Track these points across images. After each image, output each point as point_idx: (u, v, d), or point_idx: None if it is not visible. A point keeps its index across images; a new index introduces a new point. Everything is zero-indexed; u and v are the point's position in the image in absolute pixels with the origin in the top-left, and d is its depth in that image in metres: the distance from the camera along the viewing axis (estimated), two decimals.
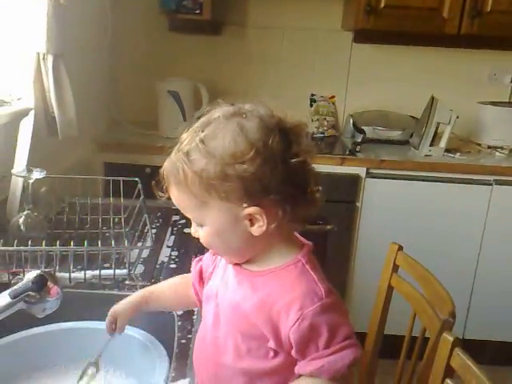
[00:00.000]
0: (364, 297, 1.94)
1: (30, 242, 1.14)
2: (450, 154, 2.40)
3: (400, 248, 1.43)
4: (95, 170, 2.23)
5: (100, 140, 2.33)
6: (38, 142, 1.49)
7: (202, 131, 0.73)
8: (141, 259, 1.30)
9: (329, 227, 2.29)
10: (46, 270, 1.14)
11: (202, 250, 0.88)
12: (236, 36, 2.71)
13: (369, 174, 2.31)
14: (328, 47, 2.72)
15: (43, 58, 1.56)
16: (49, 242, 1.19)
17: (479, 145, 2.60)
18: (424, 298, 1.30)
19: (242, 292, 0.79)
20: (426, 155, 2.38)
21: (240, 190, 0.71)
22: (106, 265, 1.23)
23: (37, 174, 1.25)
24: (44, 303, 0.82)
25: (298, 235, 0.83)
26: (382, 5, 2.35)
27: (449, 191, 2.32)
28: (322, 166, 2.24)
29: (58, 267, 1.15)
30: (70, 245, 1.17)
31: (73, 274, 1.15)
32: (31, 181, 1.25)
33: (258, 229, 0.74)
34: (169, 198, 0.78)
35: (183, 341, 0.97)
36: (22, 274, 1.14)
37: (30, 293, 0.81)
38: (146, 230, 1.40)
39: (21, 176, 1.28)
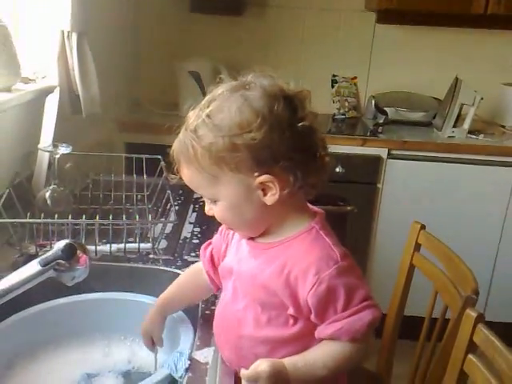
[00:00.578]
0: (384, 278, 1.94)
1: (56, 216, 1.16)
2: (473, 136, 2.37)
3: (422, 227, 1.43)
4: (117, 151, 2.24)
5: (121, 120, 2.35)
6: (62, 120, 1.50)
7: (208, 107, 0.74)
8: (164, 234, 1.31)
9: (349, 208, 2.28)
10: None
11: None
12: (257, 16, 2.69)
13: (390, 155, 2.29)
14: (350, 28, 2.68)
15: (67, 36, 1.58)
16: (74, 217, 1.21)
17: (503, 127, 2.56)
18: (446, 276, 1.29)
19: (259, 264, 0.80)
20: (448, 136, 2.35)
21: (250, 160, 0.72)
22: (130, 239, 1.25)
23: (63, 149, 1.26)
24: (73, 271, 0.83)
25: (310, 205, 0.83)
26: None
27: (472, 173, 2.30)
28: (343, 147, 2.24)
29: (84, 240, 1.17)
30: (95, 219, 1.19)
31: (98, 247, 1.17)
32: (57, 156, 1.27)
33: (271, 197, 0.74)
34: (181, 179, 0.79)
35: (207, 312, 0.98)
36: (48, 247, 1.16)
37: (59, 261, 0.83)
38: (168, 207, 1.42)
39: (47, 151, 1.29)
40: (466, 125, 2.36)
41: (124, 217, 1.26)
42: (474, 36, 2.63)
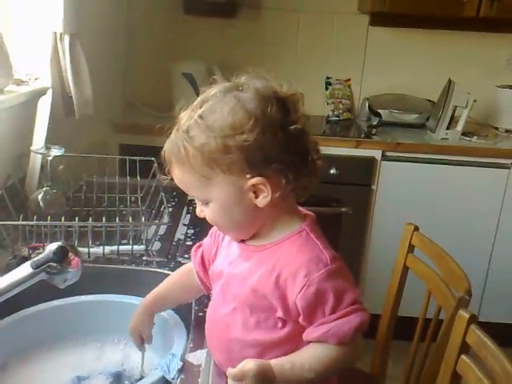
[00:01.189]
0: (378, 279, 1.94)
1: (49, 218, 1.15)
2: (466, 138, 2.38)
3: (416, 228, 1.43)
4: (110, 152, 2.24)
5: (115, 121, 2.34)
6: (55, 122, 1.50)
7: (200, 107, 0.74)
8: (157, 236, 1.31)
9: (344, 210, 2.29)
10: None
11: None
12: (251, 18, 2.69)
13: (384, 157, 2.29)
14: (344, 30, 2.69)
15: (60, 38, 1.57)
16: (67, 219, 1.21)
17: (496, 128, 2.57)
18: (439, 277, 1.30)
19: (249, 267, 0.80)
20: (442, 138, 2.36)
21: (242, 161, 0.72)
22: (124, 241, 1.24)
23: (55, 151, 1.26)
24: (65, 274, 0.83)
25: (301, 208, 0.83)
26: None
27: (465, 175, 2.31)
28: (337, 149, 2.24)
29: (77, 242, 1.17)
30: (88, 221, 1.19)
31: (91, 249, 1.17)
32: (50, 158, 1.27)
33: (262, 200, 0.74)
34: (172, 180, 0.78)
35: (200, 314, 0.98)
36: (41, 249, 1.15)
37: (51, 263, 0.82)
38: (162, 209, 1.41)
39: (40, 153, 1.29)
40: (460, 127, 2.37)
41: (117, 219, 1.26)
42: (466, 38, 2.65)
